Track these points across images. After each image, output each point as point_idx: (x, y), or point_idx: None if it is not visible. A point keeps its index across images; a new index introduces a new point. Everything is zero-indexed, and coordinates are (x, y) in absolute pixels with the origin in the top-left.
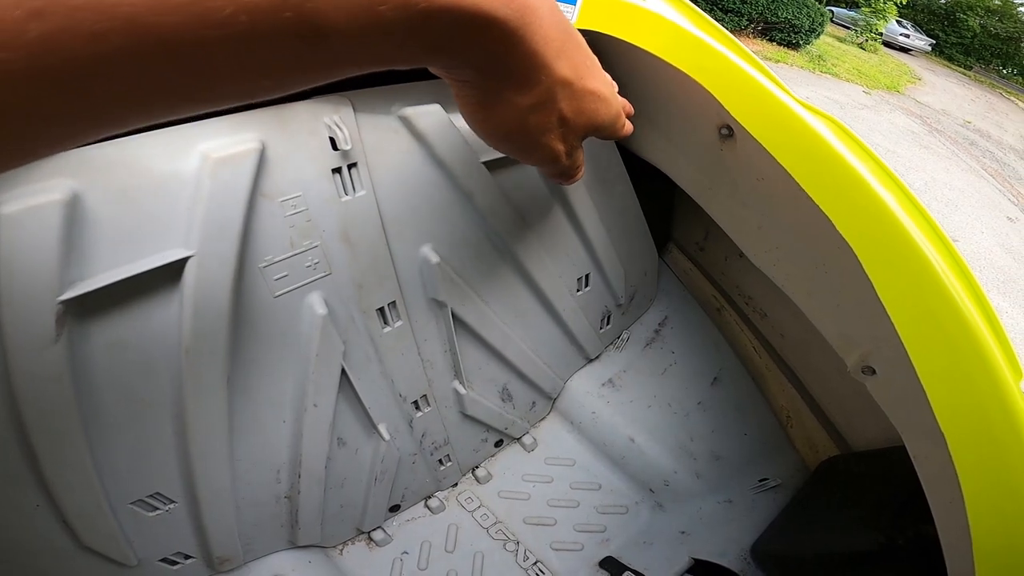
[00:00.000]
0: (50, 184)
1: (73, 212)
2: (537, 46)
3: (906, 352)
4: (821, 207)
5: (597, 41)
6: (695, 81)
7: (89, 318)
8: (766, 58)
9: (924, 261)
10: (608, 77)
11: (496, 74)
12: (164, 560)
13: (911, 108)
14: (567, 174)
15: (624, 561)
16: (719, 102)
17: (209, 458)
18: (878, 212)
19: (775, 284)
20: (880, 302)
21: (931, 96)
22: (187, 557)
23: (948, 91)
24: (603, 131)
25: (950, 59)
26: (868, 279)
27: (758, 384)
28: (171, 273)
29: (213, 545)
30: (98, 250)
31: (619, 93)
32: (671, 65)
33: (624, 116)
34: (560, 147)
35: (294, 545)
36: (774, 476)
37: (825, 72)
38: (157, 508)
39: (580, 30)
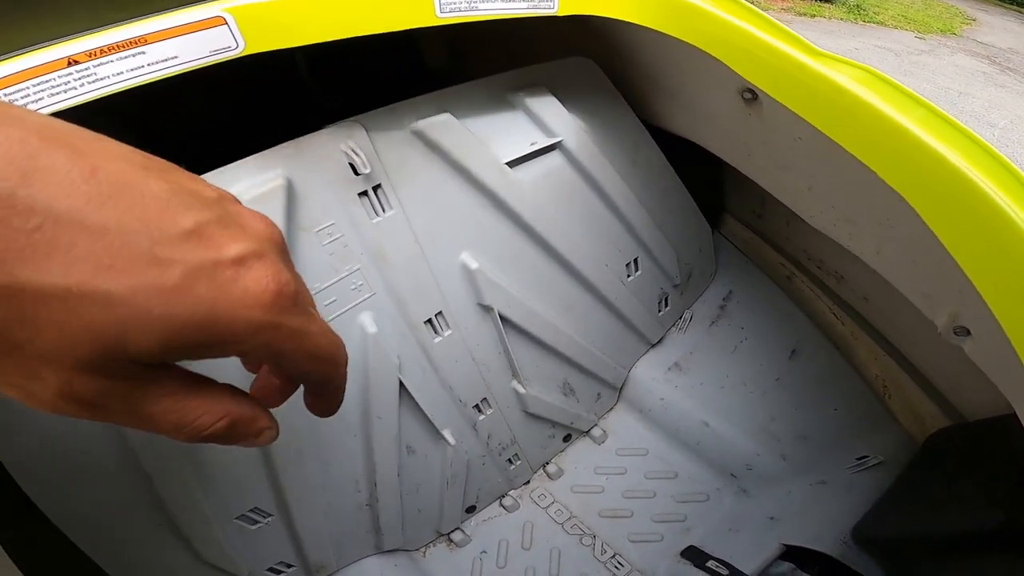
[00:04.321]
0: None
1: None
2: None
3: (990, 309)
4: (862, 160)
5: (587, 24)
6: (700, 49)
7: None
8: (799, 14)
9: (992, 205)
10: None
11: None
12: (270, 570)
13: (974, 49)
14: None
15: (708, 550)
16: (729, 68)
17: (293, 472)
18: (927, 158)
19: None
20: (950, 255)
21: (992, 36)
22: (289, 566)
23: (1009, 30)
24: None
25: None
26: (931, 231)
27: (844, 354)
28: None
29: (309, 553)
30: None
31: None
32: (667, 35)
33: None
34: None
35: (381, 550)
36: (875, 453)
37: (869, 21)
38: (257, 521)
39: (563, 17)
